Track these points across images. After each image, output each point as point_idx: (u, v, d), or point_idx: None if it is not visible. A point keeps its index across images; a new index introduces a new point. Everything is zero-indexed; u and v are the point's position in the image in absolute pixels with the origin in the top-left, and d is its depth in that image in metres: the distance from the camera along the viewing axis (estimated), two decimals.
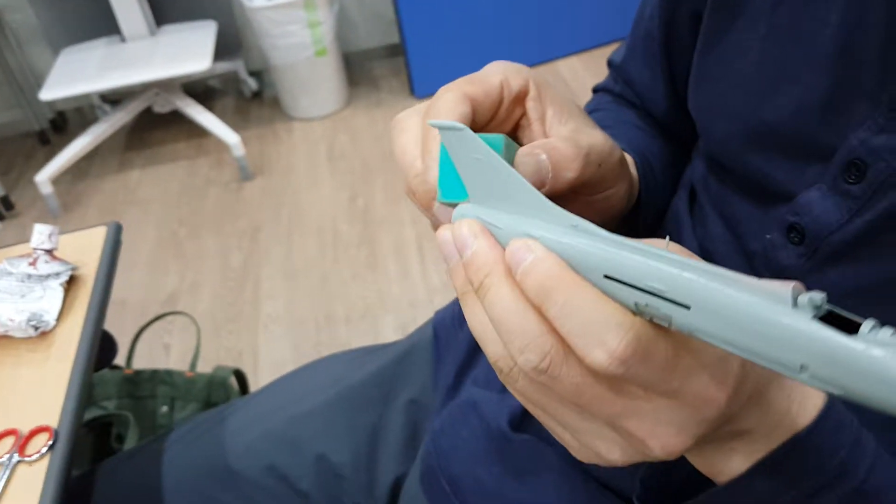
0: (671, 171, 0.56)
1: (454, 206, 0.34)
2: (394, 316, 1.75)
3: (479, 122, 0.38)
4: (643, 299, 0.26)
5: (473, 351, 0.60)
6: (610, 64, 0.62)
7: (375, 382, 0.65)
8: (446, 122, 0.32)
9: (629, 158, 0.48)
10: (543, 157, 0.35)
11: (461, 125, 0.32)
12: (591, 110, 0.60)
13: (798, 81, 0.40)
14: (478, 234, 0.31)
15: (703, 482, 0.35)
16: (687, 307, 0.25)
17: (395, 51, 2.89)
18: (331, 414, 0.63)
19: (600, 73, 2.70)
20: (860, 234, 0.37)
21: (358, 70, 2.89)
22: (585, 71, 2.63)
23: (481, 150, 0.31)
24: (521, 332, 0.28)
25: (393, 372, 0.66)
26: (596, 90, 0.63)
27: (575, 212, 0.31)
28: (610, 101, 0.60)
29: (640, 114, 0.58)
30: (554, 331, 0.28)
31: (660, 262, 0.26)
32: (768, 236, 0.42)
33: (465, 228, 0.31)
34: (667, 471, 0.40)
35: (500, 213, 0.32)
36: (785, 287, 0.23)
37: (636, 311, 0.27)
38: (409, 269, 1.88)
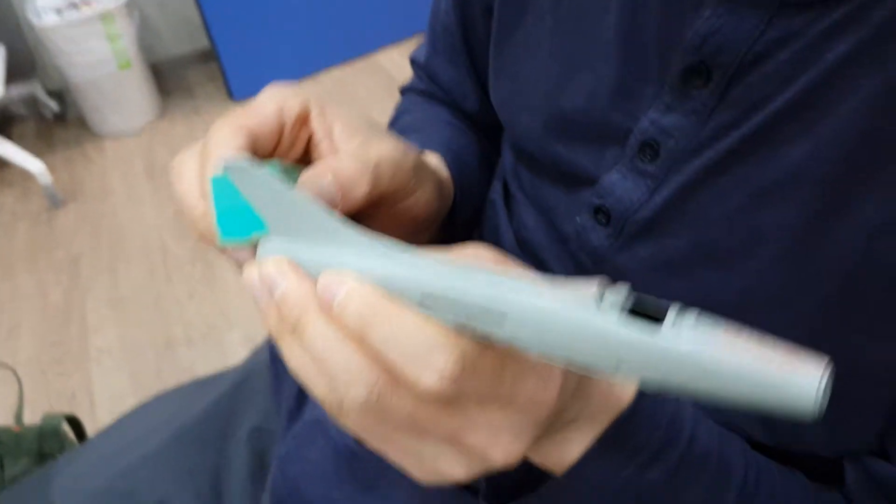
0: (486, 165, 0.56)
1: (243, 245, 0.33)
2: (240, 330, 1.68)
3: (263, 152, 0.37)
4: (461, 317, 0.26)
5: None
6: (413, 62, 0.62)
7: (213, 416, 0.61)
8: (228, 157, 0.30)
9: (435, 159, 0.48)
10: (328, 179, 0.34)
11: (241, 160, 0.30)
12: (401, 113, 0.60)
13: (588, 70, 0.41)
14: (285, 271, 0.29)
15: (544, 472, 0.35)
16: (502, 321, 0.25)
17: (207, 55, 2.76)
18: (168, 457, 0.59)
19: None
20: (661, 210, 0.39)
21: (169, 79, 2.74)
22: (405, 61, 2.64)
23: (268, 183, 0.30)
24: (344, 368, 0.27)
25: (231, 401, 0.62)
26: (403, 91, 0.63)
27: (380, 224, 0.30)
28: (419, 101, 0.60)
29: (450, 109, 0.58)
30: (378, 361, 0.27)
31: (470, 278, 0.25)
32: (578, 220, 0.43)
33: (271, 267, 0.30)
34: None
35: (307, 246, 0.30)
36: (589, 287, 0.23)
37: (457, 330, 0.26)
38: None
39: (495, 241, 0.51)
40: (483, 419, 0.28)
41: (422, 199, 0.41)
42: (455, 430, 0.28)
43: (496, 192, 0.53)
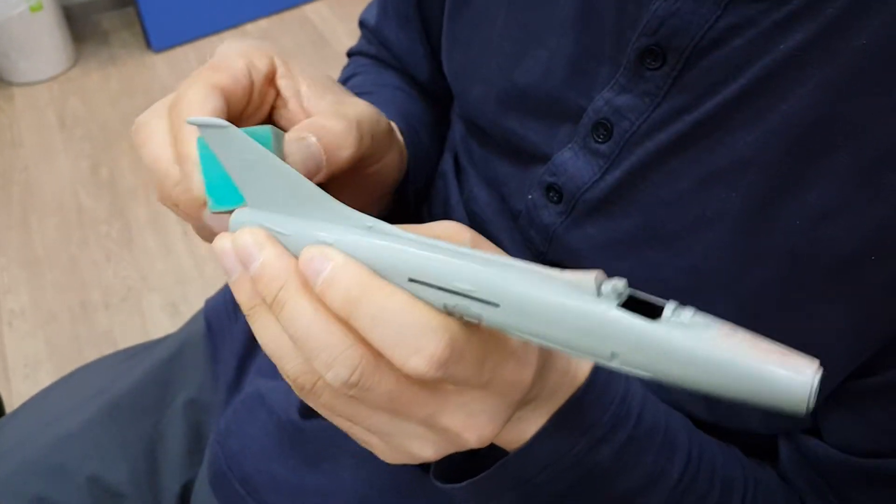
0: (437, 134, 0.55)
1: (230, 212, 0.31)
2: (160, 294, 1.63)
3: (233, 113, 0.35)
4: (452, 300, 0.25)
5: (254, 340, 0.57)
6: (362, 24, 0.60)
7: (146, 387, 0.59)
8: (206, 118, 0.28)
9: (394, 125, 0.47)
10: (313, 140, 0.33)
11: (224, 122, 0.28)
12: (349, 76, 0.58)
13: (544, 45, 0.41)
14: (263, 243, 0.28)
15: (495, 449, 0.36)
16: (496, 305, 0.24)
17: (124, 0, 2.62)
18: (99, 430, 0.57)
19: (348, 18, 2.66)
20: (611, 189, 0.39)
21: (83, 24, 2.58)
22: (333, 15, 2.57)
23: (251, 149, 0.28)
24: (326, 347, 0.26)
25: (165, 373, 0.60)
26: (350, 54, 0.61)
27: (350, 190, 0.29)
28: (368, 64, 0.58)
29: (401, 75, 0.57)
30: (362, 341, 0.26)
31: (464, 261, 0.25)
32: (530, 196, 0.43)
33: (247, 237, 0.28)
34: None
35: (285, 218, 0.29)
36: (588, 276, 0.23)
37: (446, 312, 0.26)
38: (171, 241, 1.76)
39: (445, 214, 0.51)
40: (461, 401, 0.28)
41: (391, 164, 0.40)
42: (432, 413, 0.28)
43: (447, 164, 0.52)
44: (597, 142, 0.39)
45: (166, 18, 2.36)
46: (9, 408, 0.76)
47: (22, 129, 2.17)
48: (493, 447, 0.35)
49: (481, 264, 0.25)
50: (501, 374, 0.28)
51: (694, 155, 0.36)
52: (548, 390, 0.33)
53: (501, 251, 0.30)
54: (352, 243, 0.27)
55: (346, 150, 0.34)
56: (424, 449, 0.30)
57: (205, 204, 0.32)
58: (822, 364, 0.35)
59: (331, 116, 0.34)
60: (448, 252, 0.26)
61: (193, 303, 1.58)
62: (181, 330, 0.65)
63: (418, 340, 0.25)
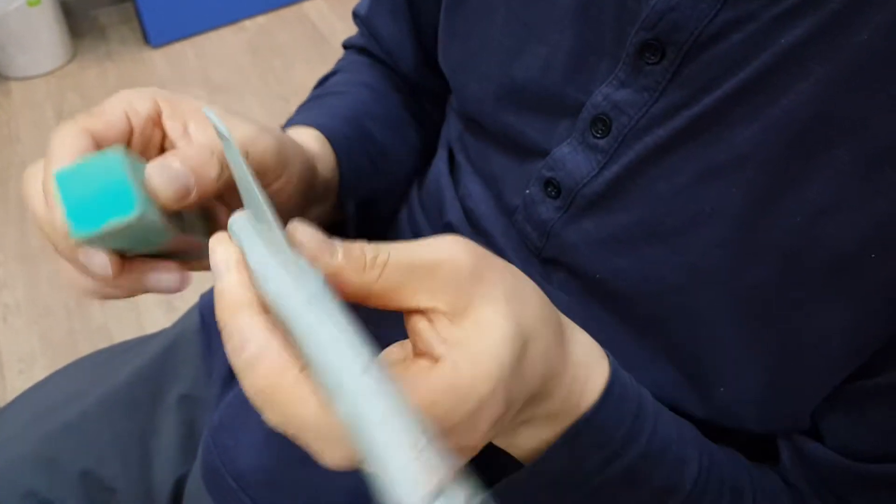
0: (416, 130, 0.55)
1: (97, 236, 0.31)
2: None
3: None
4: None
5: None
6: (355, 15, 0.60)
7: (139, 382, 0.59)
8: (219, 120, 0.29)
9: (313, 139, 0.48)
10: (177, 164, 0.33)
11: (226, 132, 0.29)
12: (332, 73, 0.59)
13: (544, 41, 0.41)
14: (230, 265, 0.28)
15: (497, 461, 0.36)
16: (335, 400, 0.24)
17: None
18: (92, 424, 0.56)
19: (347, 16, 2.65)
20: (609, 185, 0.39)
21: (81, 19, 2.58)
22: (332, 12, 2.57)
23: (233, 160, 0.29)
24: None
25: (158, 367, 0.60)
26: (345, 46, 0.61)
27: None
28: (355, 62, 0.58)
29: (383, 71, 0.57)
30: None
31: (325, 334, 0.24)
32: (527, 191, 0.43)
33: (220, 254, 0.28)
34: None
35: (254, 240, 0.28)
36: (430, 476, 0.22)
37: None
38: None
39: (440, 210, 0.51)
40: None
41: (290, 185, 0.41)
42: None
43: (441, 159, 0.52)
44: (595, 137, 0.39)
45: (164, 14, 2.35)
46: (3, 403, 0.75)
47: (19, 123, 2.16)
48: (496, 458, 0.35)
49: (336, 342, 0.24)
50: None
51: (693, 150, 0.36)
52: (553, 411, 0.33)
53: (508, 264, 0.30)
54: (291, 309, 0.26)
55: (211, 169, 0.34)
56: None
57: (66, 236, 0.32)
58: (819, 364, 0.35)
59: (194, 145, 0.35)
60: (324, 319, 0.25)
61: (188, 298, 1.57)
62: (175, 325, 0.64)
63: (327, 447, 0.25)
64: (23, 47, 2.27)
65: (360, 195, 0.52)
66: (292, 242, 0.27)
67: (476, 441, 0.28)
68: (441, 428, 0.26)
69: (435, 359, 0.27)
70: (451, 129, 0.52)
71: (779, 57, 0.32)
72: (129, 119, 0.36)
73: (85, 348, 1.50)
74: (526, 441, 0.34)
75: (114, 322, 1.56)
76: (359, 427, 0.23)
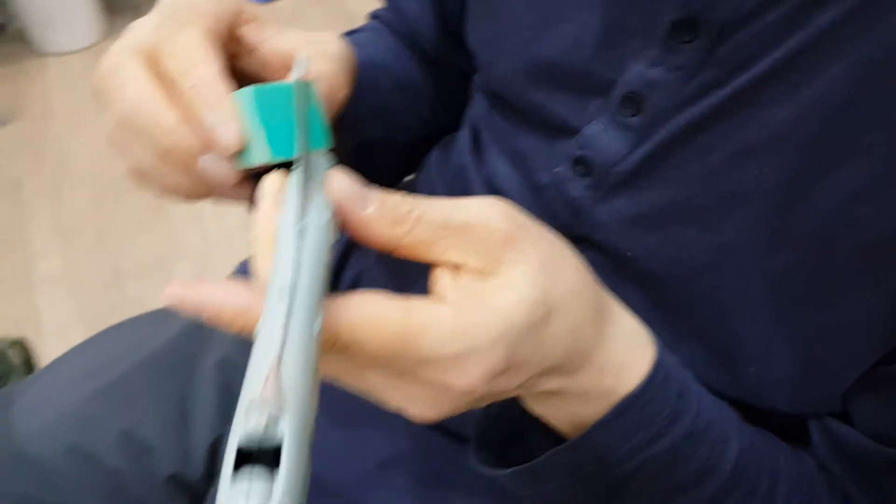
0: (422, 103, 0.56)
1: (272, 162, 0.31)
2: (189, 262, 1.66)
3: None
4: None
5: None
6: None
7: (178, 345, 0.61)
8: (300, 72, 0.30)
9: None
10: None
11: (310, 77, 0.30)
12: (357, 30, 0.59)
13: (572, 19, 0.41)
14: (268, 204, 0.29)
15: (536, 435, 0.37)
16: None
17: None
18: (132, 385, 0.58)
19: None
20: (641, 163, 0.39)
21: None
22: None
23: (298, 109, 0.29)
24: None
25: (196, 332, 0.62)
26: (372, 17, 0.61)
27: None
28: (377, 28, 0.59)
29: (406, 42, 0.58)
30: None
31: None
32: (557, 170, 0.44)
33: (267, 196, 0.29)
34: (498, 417, 0.41)
35: (295, 191, 0.29)
36: None
37: None
38: (200, 211, 1.78)
39: (464, 190, 0.51)
40: (396, 386, 0.29)
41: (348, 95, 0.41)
42: (372, 388, 0.30)
43: (464, 139, 0.52)
44: (627, 115, 0.39)
45: None
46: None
47: (54, 99, 2.20)
48: (529, 433, 0.36)
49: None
50: (430, 376, 0.28)
51: (726, 130, 0.36)
52: (574, 389, 0.33)
53: (551, 237, 0.31)
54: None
55: (342, 90, 0.34)
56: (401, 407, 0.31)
57: (208, 152, 0.32)
58: (852, 346, 0.35)
59: (317, 59, 0.34)
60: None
61: (222, 272, 1.60)
62: None
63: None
64: (58, 23, 2.31)
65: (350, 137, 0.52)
66: (327, 189, 0.28)
67: (467, 385, 0.28)
68: (425, 357, 0.27)
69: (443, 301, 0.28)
70: (476, 107, 0.52)
71: (813, 38, 0.32)
72: (233, 20, 0.36)
73: (120, 319, 1.53)
74: (562, 413, 0.35)
75: (149, 294, 1.58)
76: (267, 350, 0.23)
